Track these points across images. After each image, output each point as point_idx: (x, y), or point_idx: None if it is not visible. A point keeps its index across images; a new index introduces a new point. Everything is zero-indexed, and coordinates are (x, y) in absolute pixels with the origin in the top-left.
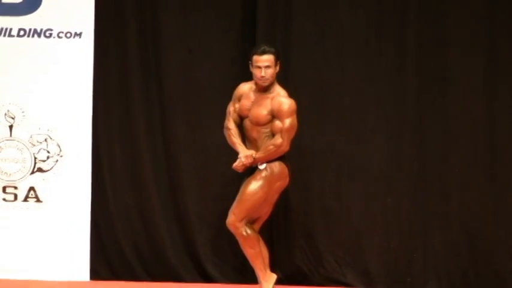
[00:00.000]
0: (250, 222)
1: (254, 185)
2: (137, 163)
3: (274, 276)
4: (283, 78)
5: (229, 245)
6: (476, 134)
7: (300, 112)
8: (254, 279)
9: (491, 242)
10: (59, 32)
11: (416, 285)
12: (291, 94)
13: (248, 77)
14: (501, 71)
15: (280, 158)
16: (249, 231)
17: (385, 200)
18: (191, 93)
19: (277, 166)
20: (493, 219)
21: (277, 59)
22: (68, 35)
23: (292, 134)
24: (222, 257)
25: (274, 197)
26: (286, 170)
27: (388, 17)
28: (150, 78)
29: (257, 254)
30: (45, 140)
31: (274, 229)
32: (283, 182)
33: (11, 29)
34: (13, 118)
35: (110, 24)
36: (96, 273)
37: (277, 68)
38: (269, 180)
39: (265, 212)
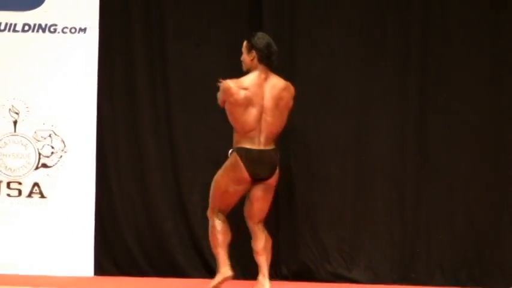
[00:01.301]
0: (224, 214)
1: (216, 174)
2: (142, 158)
3: (226, 273)
4: (289, 74)
5: (235, 240)
6: (480, 129)
7: (305, 107)
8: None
9: (496, 237)
10: (64, 28)
11: (421, 281)
12: (297, 89)
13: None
14: (505, 65)
15: (237, 150)
16: (216, 222)
17: (389, 196)
18: (196, 87)
19: (231, 157)
20: (497, 214)
21: (250, 46)
22: (73, 30)
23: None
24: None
25: (236, 188)
26: (239, 162)
27: (393, 12)
28: (155, 73)
29: (217, 245)
30: (50, 135)
31: (280, 225)
32: (237, 174)
33: (15, 24)
34: (17, 113)
35: (115, 19)
36: (100, 268)
37: (251, 55)
38: (224, 170)
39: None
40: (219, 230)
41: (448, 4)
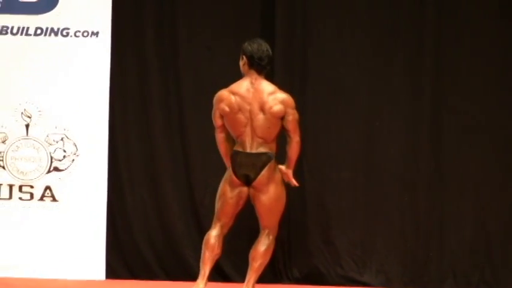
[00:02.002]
0: (222, 226)
1: None
2: (154, 162)
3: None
4: (301, 76)
5: (248, 243)
6: (492, 131)
7: (317, 109)
8: (273, 279)
9: (508, 239)
10: (76, 31)
11: (433, 284)
12: (309, 91)
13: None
14: None
15: (232, 153)
16: (210, 234)
17: (401, 199)
18: (209, 90)
19: None
20: (509, 216)
21: (241, 52)
22: (85, 34)
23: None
24: (240, 256)
25: (231, 193)
26: (231, 164)
27: (405, 14)
28: (168, 76)
29: (203, 259)
30: (62, 139)
31: (291, 229)
32: (230, 177)
33: (28, 28)
34: (30, 117)
35: (127, 22)
36: (112, 272)
37: (242, 61)
38: (225, 174)
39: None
40: (207, 246)
41: (460, 6)
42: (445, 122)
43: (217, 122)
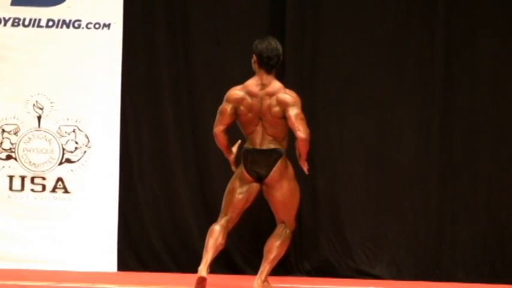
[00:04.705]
0: (228, 220)
1: None
2: (165, 154)
3: (200, 273)
4: (312, 71)
5: (258, 236)
6: (504, 125)
7: (329, 105)
8: (284, 272)
9: None
10: (88, 23)
11: (445, 277)
12: (321, 87)
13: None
14: None
15: (242, 150)
16: (215, 225)
17: (413, 193)
18: (219, 83)
19: None
20: None
21: (252, 50)
22: (97, 26)
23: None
24: (251, 249)
25: (241, 188)
26: (242, 161)
27: (417, 7)
28: (179, 69)
29: (206, 246)
30: (74, 131)
31: (303, 222)
32: (241, 173)
33: (39, 20)
34: (41, 109)
35: (139, 15)
36: (124, 264)
37: (253, 59)
38: (236, 169)
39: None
40: (211, 235)
41: (472, 3)
42: (456, 115)
43: (226, 118)
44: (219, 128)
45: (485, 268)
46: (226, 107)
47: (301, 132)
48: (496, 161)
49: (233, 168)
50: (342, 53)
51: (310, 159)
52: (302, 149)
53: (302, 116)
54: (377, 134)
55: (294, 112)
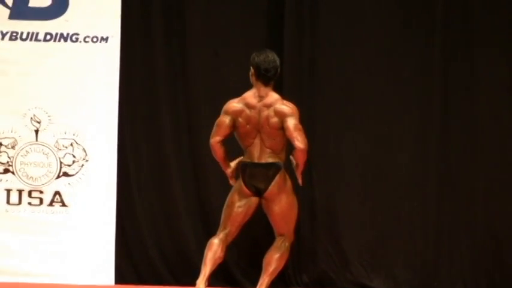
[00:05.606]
0: (227, 234)
1: None
2: (164, 167)
3: (198, 286)
4: (310, 83)
5: (256, 249)
6: (502, 136)
7: (326, 115)
8: (282, 284)
9: None
10: (86, 37)
11: None
12: (318, 97)
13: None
14: None
15: (241, 164)
16: (214, 239)
17: (411, 204)
18: (217, 95)
19: None
20: None
21: (250, 63)
22: (95, 39)
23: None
24: (249, 262)
25: (239, 202)
26: (240, 175)
27: (415, 18)
28: (176, 82)
29: (204, 259)
30: (71, 144)
31: (301, 233)
32: (239, 186)
33: (37, 33)
34: (39, 122)
35: (136, 28)
36: (121, 277)
37: (251, 71)
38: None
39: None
40: (210, 248)
41: (470, 9)
42: (454, 126)
43: (223, 129)
44: (215, 139)
45: (484, 281)
46: (225, 119)
47: (300, 142)
48: (493, 172)
49: (231, 182)
50: (340, 65)
51: (307, 172)
52: (300, 159)
53: (300, 126)
54: (374, 146)
55: (292, 122)
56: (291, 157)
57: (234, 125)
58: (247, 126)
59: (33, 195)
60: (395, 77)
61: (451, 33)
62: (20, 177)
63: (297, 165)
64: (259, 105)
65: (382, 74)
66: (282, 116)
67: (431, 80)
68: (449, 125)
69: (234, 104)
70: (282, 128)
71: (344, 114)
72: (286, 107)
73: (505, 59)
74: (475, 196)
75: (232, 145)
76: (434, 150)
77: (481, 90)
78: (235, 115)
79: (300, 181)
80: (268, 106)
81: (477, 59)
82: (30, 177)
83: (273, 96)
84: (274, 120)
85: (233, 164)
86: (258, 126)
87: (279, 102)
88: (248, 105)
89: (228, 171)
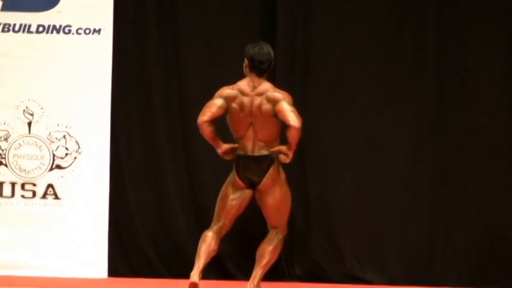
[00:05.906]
0: (221, 226)
1: None
2: (156, 160)
3: (192, 278)
4: (303, 81)
5: (250, 242)
6: (496, 132)
7: (320, 110)
8: (275, 277)
9: (511, 238)
10: (78, 29)
11: (437, 282)
12: (311, 93)
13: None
14: None
15: (235, 156)
16: (207, 232)
17: (405, 198)
18: (211, 89)
19: None
20: None
21: (244, 55)
22: (87, 31)
23: None
24: (243, 254)
25: (233, 195)
26: (234, 167)
27: (408, 16)
28: (170, 74)
29: (198, 252)
30: (64, 136)
31: (294, 226)
32: (234, 179)
33: (29, 25)
34: (32, 115)
35: (129, 20)
36: (114, 270)
37: (245, 63)
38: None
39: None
40: (204, 241)
41: (463, 6)
42: (448, 122)
43: (212, 109)
44: (202, 119)
45: (478, 274)
46: (216, 101)
47: (294, 121)
48: (487, 168)
49: (226, 157)
50: (333, 59)
51: (301, 164)
52: (293, 138)
53: (293, 108)
54: (368, 139)
55: (284, 105)
56: (280, 156)
57: (226, 109)
58: (240, 113)
59: (26, 187)
60: (389, 70)
61: (445, 32)
62: (12, 170)
63: (290, 144)
64: (252, 93)
65: (375, 67)
66: (274, 102)
67: (425, 77)
68: (443, 119)
69: (228, 90)
70: (275, 115)
71: (338, 108)
72: (278, 93)
73: (499, 58)
74: (468, 190)
75: (227, 139)
76: (428, 144)
77: (475, 89)
78: (229, 99)
79: (288, 159)
80: (261, 94)
81: (471, 58)
82: (23, 169)
83: (266, 85)
84: (267, 107)
85: (227, 145)
86: (251, 115)
87: (271, 90)
88: (242, 92)
89: (221, 148)
